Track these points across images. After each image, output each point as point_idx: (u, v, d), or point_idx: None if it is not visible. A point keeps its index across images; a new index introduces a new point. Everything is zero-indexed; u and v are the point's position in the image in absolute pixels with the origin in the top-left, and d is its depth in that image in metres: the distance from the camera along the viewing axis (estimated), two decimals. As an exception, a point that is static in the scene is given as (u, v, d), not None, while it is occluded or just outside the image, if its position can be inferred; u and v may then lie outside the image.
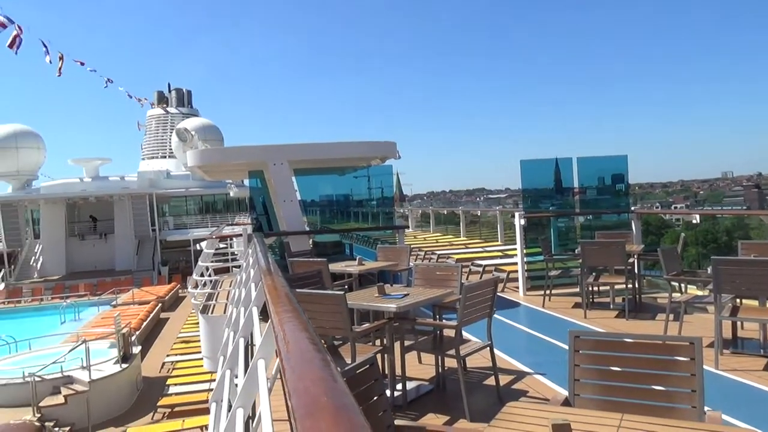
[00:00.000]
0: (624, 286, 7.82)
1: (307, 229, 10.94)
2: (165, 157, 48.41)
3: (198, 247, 35.37)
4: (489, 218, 21.61)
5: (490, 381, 5.05)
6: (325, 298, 4.29)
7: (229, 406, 3.00)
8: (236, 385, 3.27)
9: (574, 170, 11.24)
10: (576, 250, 8.60)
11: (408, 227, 19.92)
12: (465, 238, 19.12)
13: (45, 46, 30.15)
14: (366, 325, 4.77)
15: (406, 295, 4.77)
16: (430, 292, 5.09)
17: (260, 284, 3.27)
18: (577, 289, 8.88)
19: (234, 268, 13.31)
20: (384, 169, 15.27)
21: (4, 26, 26.34)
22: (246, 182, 39.37)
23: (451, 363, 4.99)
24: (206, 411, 12.34)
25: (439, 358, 5.01)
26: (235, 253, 14.64)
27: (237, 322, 4.31)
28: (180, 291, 30.44)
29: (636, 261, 8.43)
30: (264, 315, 3.30)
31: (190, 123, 41.58)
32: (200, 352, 16.33)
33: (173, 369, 15.57)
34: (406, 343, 4.79)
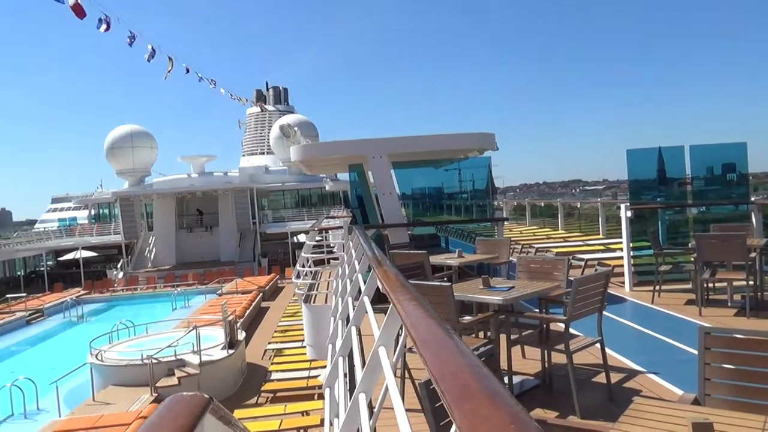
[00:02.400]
0: (744, 282, 7.26)
1: (406, 221, 11.00)
2: (264, 153, 50.54)
3: (295, 240, 36.79)
4: (587, 210, 20.81)
5: (600, 378, 4.87)
6: (432, 289, 4.31)
7: (347, 394, 3.10)
8: (343, 372, 3.37)
9: (686, 159, 10.54)
10: (689, 244, 8.08)
11: (507, 219, 19.55)
12: (563, 231, 18.52)
13: (153, 50, 32.26)
14: (472, 317, 4.74)
15: (511, 288, 4.69)
16: (535, 285, 4.97)
17: (372, 274, 3.34)
18: (690, 285, 8.36)
19: (332, 260, 13.66)
20: (477, 161, 15.08)
21: (133, 39, 28.63)
22: (340, 176, 40.42)
23: (557, 358, 4.85)
24: (307, 396, 12.81)
25: (545, 352, 4.89)
26: (332, 245, 15.03)
27: (346, 312, 4.43)
28: (279, 281, 31.71)
29: (758, 256, 7.80)
30: (374, 304, 3.38)
31: (288, 120, 43.06)
32: (301, 341, 16.96)
33: (275, 356, 16.23)
34: (512, 336, 4.71)
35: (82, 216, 49.73)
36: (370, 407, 2.29)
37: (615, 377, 4.94)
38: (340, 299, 5.35)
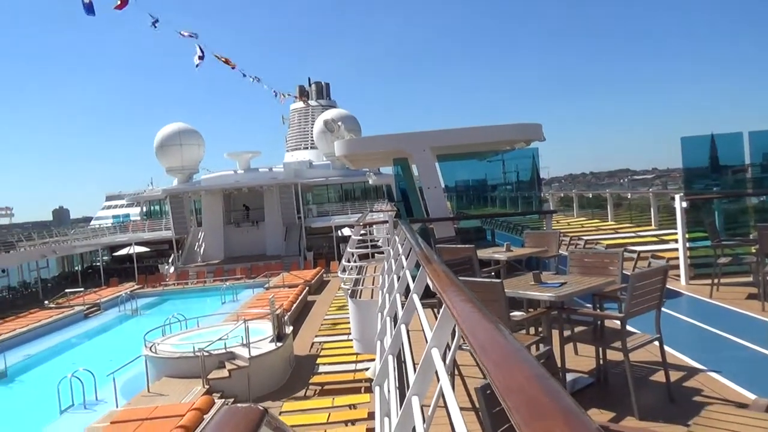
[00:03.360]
0: (812, 276, 6.86)
1: (451, 215, 10.87)
2: (307, 148, 50.99)
3: (339, 233, 37.02)
4: (638, 201, 20.18)
5: (658, 377, 4.68)
6: (482, 285, 4.21)
7: (397, 392, 3.05)
8: (393, 370, 3.32)
9: (745, 146, 10.04)
10: (750, 235, 7.70)
11: (556, 212, 19.13)
12: (613, 223, 18.01)
13: (202, 51, 33.06)
14: (523, 314, 4.63)
15: (563, 284, 4.55)
16: (588, 280, 4.81)
17: (421, 272, 3.28)
18: (751, 279, 7.97)
19: (376, 254, 13.65)
20: (522, 152, 14.79)
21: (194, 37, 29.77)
22: (383, 170, 40.41)
23: (612, 356, 4.69)
24: (354, 390, 12.88)
25: (600, 350, 4.73)
26: (376, 239, 15.01)
27: (393, 309, 4.38)
28: (324, 275, 32.00)
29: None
30: (421, 299, 3.33)
31: (330, 114, 43.31)
32: (347, 335, 17.06)
33: (322, 349, 16.39)
34: (564, 333, 4.57)
35: (135, 213, 51.37)
36: (423, 409, 2.23)
37: (675, 376, 4.74)
38: (387, 295, 5.31)
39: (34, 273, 37.55)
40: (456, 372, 4.76)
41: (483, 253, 7.20)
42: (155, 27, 28.36)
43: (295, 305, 22.18)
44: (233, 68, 38.48)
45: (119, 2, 26.32)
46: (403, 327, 3.22)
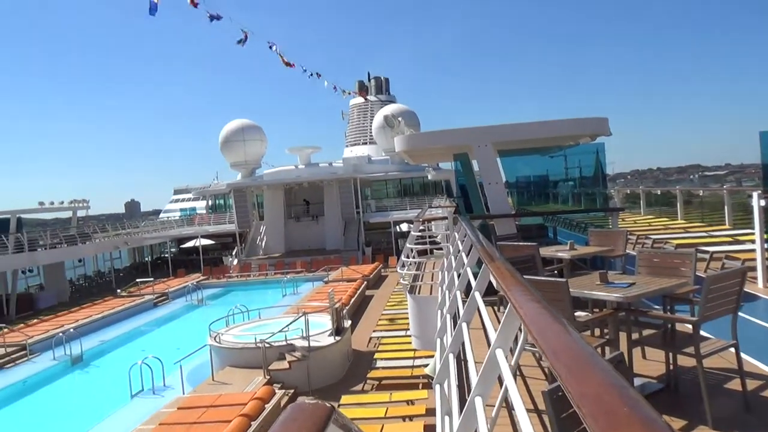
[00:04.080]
0: None
1: (513, 212, 10.68)
2: (366, 143, 51.34)
3: (397, 229, 37.08)
4: (710, 198, 19.20)
5: (733, 385, 4.44)
6: (546, 284, 4.11)
7: (458, 392, 3.02)
8: (454, 369, 3.29)
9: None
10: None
11: (623, 209, 18.48)
12: (683, 221, 17.23)
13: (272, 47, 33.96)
14: (588, 314, 4.49)
15: (632, 284, 4.38)
16: (659, 281, 4.61)
17: (483, 269, 3.23)
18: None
19: (435, 251, 13.59)
20: (585, 147, 14.37)
21: (245, 39, 30.59)
22: (442, 166, 40.17)
23: (683, 361, 4.48)
24: (412, 386, 12.88)
25: (670, 355, 4.53)
26: (434, 235, 14.94)
27: (454, 307, 4.34)
28: (382, 270, 32.16)
29: None
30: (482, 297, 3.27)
31: (390, 109, 43.38)
32: (405, 330, 17.08)
33: (379, 344, 16.47)
34: (632, 336, 4.40)
35: (201, 206, 53.17)
36: (486, 410, 2.19)
37: (752, 385, 4.48)
38: (447, 292, 5.28)
39: (108, 263, 39.52)
40: (518, 373, 4.68)
41: (545, 251, 7.04)
42: (218, 19, 29.11)
43: (353, 299, 22.39)
44: (292, 66, 39.16)
45: (190, 1, 27.27)
46: (464, 325, 3.19)
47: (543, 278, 4.70)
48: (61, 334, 19.31)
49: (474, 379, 2.33)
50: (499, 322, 2.15)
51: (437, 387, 3.33)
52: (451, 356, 3.27)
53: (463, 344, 3.25)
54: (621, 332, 4.36)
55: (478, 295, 3.18)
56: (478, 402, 2.10)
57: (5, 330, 19.75)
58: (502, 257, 3.09)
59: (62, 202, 34.70)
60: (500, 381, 2.20)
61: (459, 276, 4.52)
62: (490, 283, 3.29)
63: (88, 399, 15.97)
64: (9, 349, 18.80)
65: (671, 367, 4.60)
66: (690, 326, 4.07)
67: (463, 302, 4.02)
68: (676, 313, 4.87)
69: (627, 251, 7.53)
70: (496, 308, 6.92)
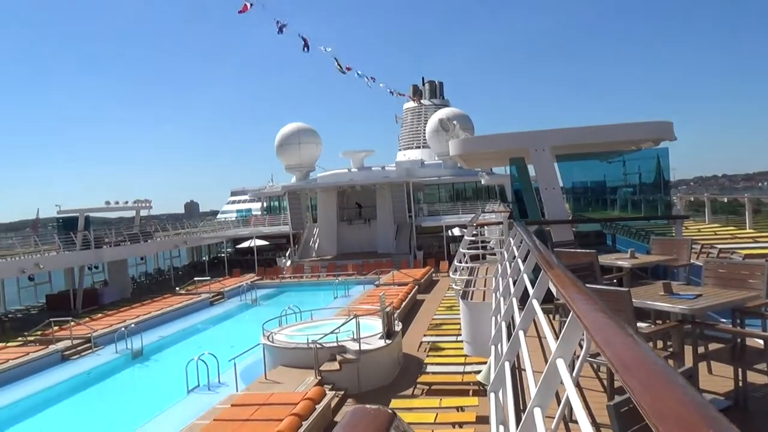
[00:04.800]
0: None
1: (570, 218, 10.43)
2: (419, 147, 51.32)
3: (449, 233, 36.82)
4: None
5: (809, 405, 4.18)
6: (607, 294, 3.97)
7: (516, 401, 2.95)
8: (510, 378, 3.21)
9: None
10: None
11: (688, 217, 17.77)
12: (752, 231, 16.39)
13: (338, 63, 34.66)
14: (651, 325, 4.31)
15: (698, 296, 4.18)
16: (727, 293, 4.39)
17: (541, 276, 3.15)
18: None
19: (488, 256, 13.40)
20: (645, 152, 13.88)
21: (307, 45, 31.48)
22: (495, 170, 39.68)
23: (754, 378, 4.25)
24: (463, 392, 12.73)
25: (740, 371, 4.29)
26: (488, 240, 14.74)
27: (509, 313, 4.25)
28: (433, 275, 32.00)
29: None
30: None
31: (444, 113, 43.21)
32: (456, 335, 16.93)
33: (430, 349, 16.38)
34: (698, 350, 4.20)
35: (256, 208, 54.36)
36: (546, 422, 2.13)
37: (830, 406, 4.20)
38: (502, 299, 5.18)
39: (168, 261, 40.92)
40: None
41: (604, 259, 6.82)
42: (281, 32, 29.94)
43: (404, 303, 22.36)
44: (348, 70, 39.67)
45: (243, 7, 28.10)
46: (521, 333, 3.12)
47: (604, 287, 4.54)
48: (123, 328, 20.11)
49: (532, 389, 2.27)
50: (555, 331, 2.09)
51: (492, 395, 3.26)
52: (506, 364, 3.20)
53: (519, 353, 3.17)
54: (686, 345, 4.16)
55: (536, 303, 3.10)
56: (537, 413, 2.04)
57: (72, 323, 20.71)
58: (562, 264, 3.00)
59: (126, 202, 36.18)
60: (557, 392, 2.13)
61: (515, 283, 4.43)
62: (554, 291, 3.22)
63: (147, 392, 16.55)
64: (75, 341, 19.70)
65: (740, 383, 4.36)
66: (762, 341, 3.85)
67: (519, 309, 3.94)
68: (745, 327, 4.62)
69: (691, 261, 7.22)
70: (551, 316, 6.75)
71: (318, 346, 14.23)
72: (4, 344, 20.15)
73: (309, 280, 33.12)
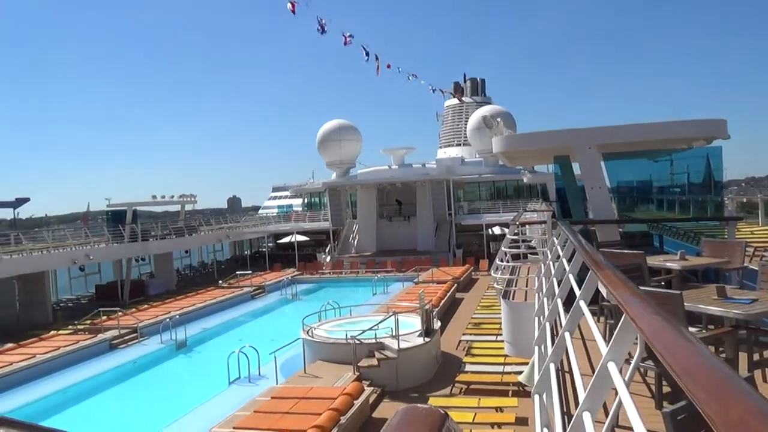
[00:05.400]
0: None
1: (616, 218, 10.17)
2: (460, 144, 50.97)
3: (489, 232, 36.48)
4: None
5: None
6: (657, 296, 3.84)
7: (562, 404, 2.90)
8: (556, 380, 3.15)
9: None
10: None
11: (741, 218, 17.14)
12: (809, 234, 15.69)
13: (365, 51, 34.71)
14: (702, 330, 4.17)
15: (754, 300, 4.02)
16: (786, 299, 4.20)
17: (590, 277, 3.08)
18: None
19: (529, 255, 13.21)
20: (694, 152, 13.42)
21: (347, 41, 31.78)
22: (537, 169, 39.06)
23: (813, 388, 4.05)
24: (502, 392, 12.60)
25: (798, 380, 4.11)
26: (530, 239, 14.54)
27: (554, 314, 4.18)
28: (473, 273, 31.76)
29: None
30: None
31: (486, 111, 42.79)
32: (495, 335, 16.76)
33: (469, 347, 16.25)
34: (753, 356, 4.04)
35: (297, 204, 55.00)
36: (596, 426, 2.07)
37: None
38: (545, 299, 5.10)
39: (211, 255, 41.82)
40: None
41: (652, 261, 6.63)
42: (323, 32, 30.25)
43: (443, 301, 22.26)
44: (389, 67, 39.69)
45: (290, 6, 28.44)
46: (567, 335, 3.05)
47: (654, 289, 4.40)
48: (168, 319, 20.64)
49: (581, 392, 2.22)
50: (602, 334, 2.03)
51: (536, 397, 3.21)
52: (551, 366, 3.15)
53: (565, 355, 3.11)
54: (740, 352, 4.01)
55: (583, 304, 3.04)
56: (587, 417, 1.99)
57: (120, 313, 21.39)
58: (612, 265, 2.92)
59: (172, 196, 37.06)
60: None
61: (559, 283, 4.35)
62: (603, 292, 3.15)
63: (190, 382, 16.98)
64: (123, 331, 20.33)
65: (798, 394, 4.18)
66: (823, 350, 3.67)
67: (564, 311, 3.86)
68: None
69: (746, 264, 6.95)
70: (595, 318, 6.60)
71: (357, 342, 14.30)
72: (56, 332, 20.96)
73: (348, 276, 33.31)
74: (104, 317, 21.18)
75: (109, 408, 15.03)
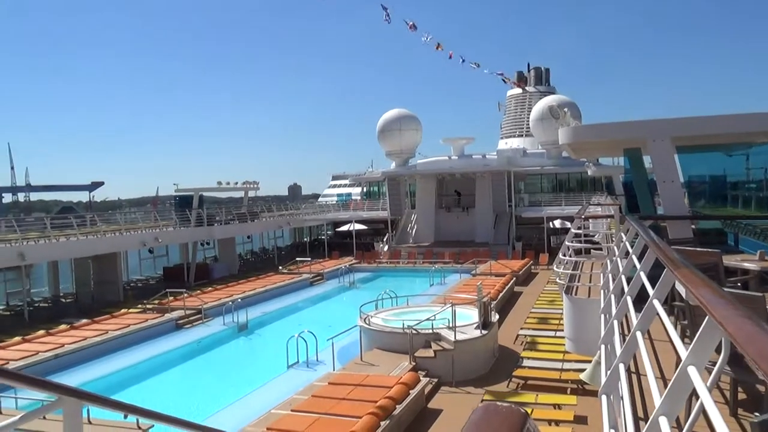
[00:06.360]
0: None
1: (689, 213, 9.72)
2: (522, 135, 49.92)
3: (550, 225, 35.64)
4: None
5: None
6: (738, 298, 3.64)
7: (633, 406, 2.79)
8: (626, 381, 3.03)
9: None
10: None
11: None
12: None
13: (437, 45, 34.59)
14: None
15: None
16: None
17: (665, 275, 2.94)
18: None
19: (593, 250, 12.83)
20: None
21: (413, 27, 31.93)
22: (602, 161, 37.78)
23: None
24: (560, 389, 12.35)
25: None
26: (593, 234, 14.10)
27: (623, 312, 4.03)
28: (532, 267, 31.19)
29: None
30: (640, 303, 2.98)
31: (550, 101, 41.72)
32: (554, 331, 16.43)
33: (527, 342, 16.00)
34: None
35: (356, 192, 55.44)
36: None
37: None
38: (613, 297, 4.92)
39: (272, 241, 42.79)
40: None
41: (729, 260, 6.30)
42: (389, 21, 30.39)
43: (501, 294, 21.99)
44: (450, 57, 39.34)
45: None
46: (638, 335, 2.93)
47: (733, 291, 4.18)
48: (230, 302, 21.33)
49: (655, 395, 2.13)
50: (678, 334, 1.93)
51: (603, 397, 3.11)
52: (621, 366, 3.03)
53: (636, 355, 2.99)
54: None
55: (657, 303, 2.91)
56: (664, 422, 1.90)
57: (186, 295, 22.24)
58: (690, 263, 2.78)
59: (237, 183, 38.09)
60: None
61: (629, 281, 4.18)
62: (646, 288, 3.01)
63: (250, 363, 17.48)
64: (188, 312, 21.15)
65: None
66: None
67: (635, 309, 3.71)
68: None
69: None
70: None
71: (413, 332, 14.33)
72: (126, 310, 22.03)
73: (405, 266, 33.39)
74: (171, 298, 22.10)
75: (175, 385, 15.68)
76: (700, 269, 4.96)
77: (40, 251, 23.10)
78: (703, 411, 1.97)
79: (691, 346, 1.89)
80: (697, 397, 1.75)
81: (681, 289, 2.48)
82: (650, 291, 3.14)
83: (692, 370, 1.84)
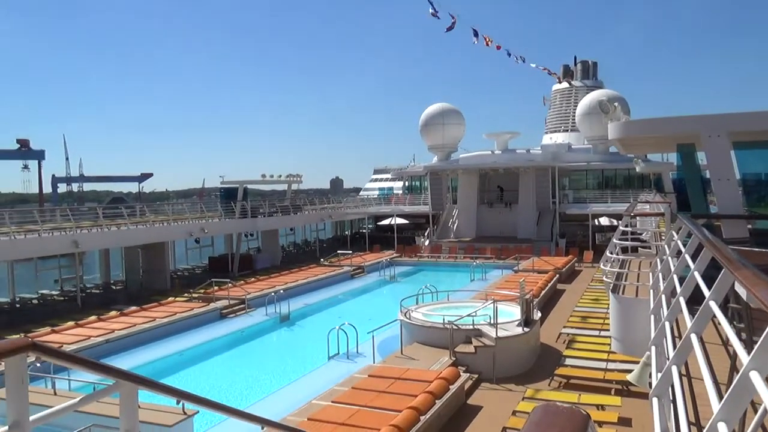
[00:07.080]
0: None
1: (745, 213, 9.35)
2: (567, 130, 48.91)
3: (596, 222, 34.88)
4: None
5: None
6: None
7: (687, 410, 2.71)
8: (679, 383, 2.94)
9: None
10: None
11: None
12: None
13: (475, 33, 34.32)
14: None
15: None
16: None
17: (722, 276, 2.83)
18: None
19: (640, 249, 12.49)
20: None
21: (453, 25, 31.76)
22: (650, 157, 36.69)
23: None
24: (604, 390, 12.11)
25: None
26: (640, 232, 13.72)
27: (675, 313, 3.91)
28: (576, 264, 30.62)
29: None
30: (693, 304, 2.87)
31: (599, 94, 40.72)
32: (598, 330, 16.10)
33: (570, 341, 15.74)
34: None
35: (398, 186, 55.47)
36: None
37: None
38: (663, 297, 4.79)
39: (314, 234, 43.26)
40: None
41: (788, 262, 6.02)
42: (437, 17, 30.26)
43: (544, 292, 21.68)
44: (498, 48, 38.83)
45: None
46: (693, 337, 2.84)
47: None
48: (273, 293, 21.67)
49: (714, 400, 2.05)
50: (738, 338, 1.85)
51: (654, 400, 3.03)
52: (674, 369, 2.95)
53: (694, 358, 2.90)
54: None
55: (714, 305, 2.81)
56: (723, 428, 1.84)
57: (230, 285, 22.72)
58: (751, 265, 2.67)
59: (280, 176, 38.59)
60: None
61: (681, 281, 4.06)
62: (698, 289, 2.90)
63: (292, 353, 17.75)
64: (232, 302, 21.61)
65: None
66: None
67: (688, 310, 3.60)
68: None
69: None
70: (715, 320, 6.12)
71: (454, 327, 14.27)
72: (173, 298, 22.66)
73: (446, 261, 33.26)
74: (216, 287, 22.62)
75: (219, 373, 16.05)
76: (760, 270, 4.77)
77: (92, 239, 23.97)
78: (765, 418, 1.90)
79: (755, 349, 1.82)
80: (758, 404, 1.69)
81: (741, 290, 2.39)
82: (705, 292, 3.03)
83: (755, 375, 1.78)
